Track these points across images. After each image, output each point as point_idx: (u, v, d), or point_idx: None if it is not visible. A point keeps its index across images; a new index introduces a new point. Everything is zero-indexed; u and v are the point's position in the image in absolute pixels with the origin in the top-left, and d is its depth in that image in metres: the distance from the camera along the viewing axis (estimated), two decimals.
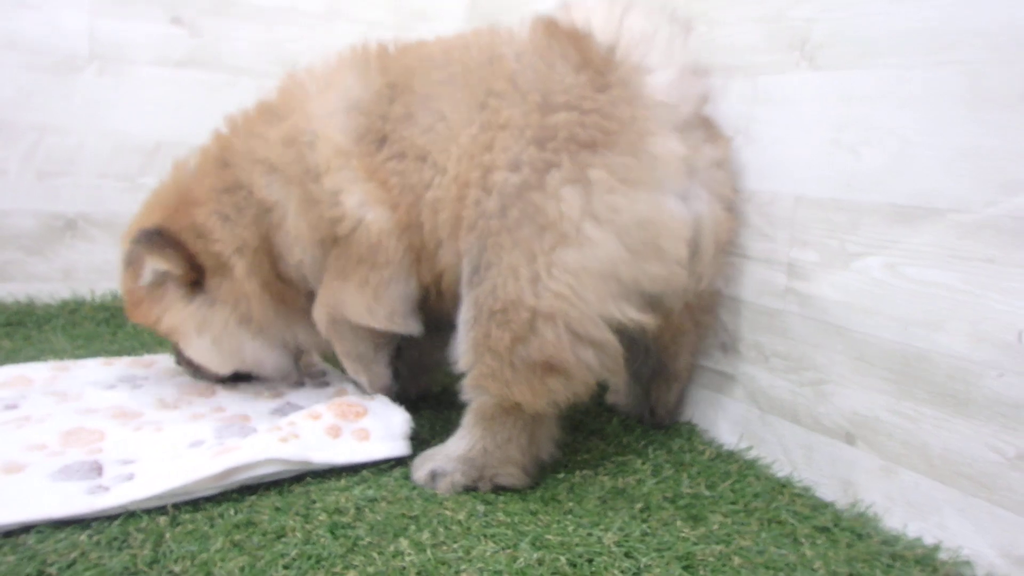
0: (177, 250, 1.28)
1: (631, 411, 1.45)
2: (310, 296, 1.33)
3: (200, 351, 1.35)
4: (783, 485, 1.19)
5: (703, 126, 1.22)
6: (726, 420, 1.37)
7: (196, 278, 1.32)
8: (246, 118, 1.34)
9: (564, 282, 1.06)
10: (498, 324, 1.08)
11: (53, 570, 0.85)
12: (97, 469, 1.04)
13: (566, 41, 1.15)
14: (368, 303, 1.23)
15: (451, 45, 1.26)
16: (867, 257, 1.11)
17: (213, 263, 1.30)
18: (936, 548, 1.01)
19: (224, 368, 1.38)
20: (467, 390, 1.14)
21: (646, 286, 1.11)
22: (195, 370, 1.41)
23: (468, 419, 1.15)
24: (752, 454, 1.29)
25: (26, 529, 0.92)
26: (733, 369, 1.35)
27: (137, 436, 1.17)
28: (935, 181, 1.03)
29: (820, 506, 1.13)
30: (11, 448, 1.08)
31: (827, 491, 1.17)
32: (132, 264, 1.30)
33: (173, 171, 1.37)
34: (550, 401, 1.10)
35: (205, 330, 1.32)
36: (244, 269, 1.29)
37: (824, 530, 1.06)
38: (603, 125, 1.09)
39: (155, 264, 1.28)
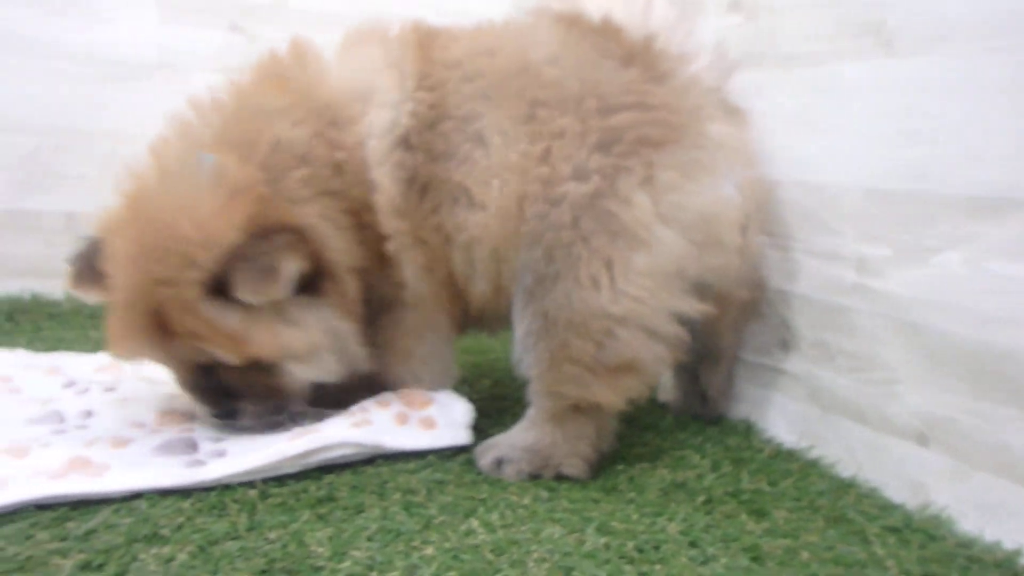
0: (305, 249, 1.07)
1: (683, 406, 1.46)
2: None
3: (323, 366, 1.15)
4: (848, 485, 1.18)
5: (733, 108, 1.24)
6: (784, 419, 1.37)
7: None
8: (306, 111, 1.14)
9: (640, 285, 1.08)
10: (577, 334, 1.10)
11: (165, 531, 0.93)
12: (192, 445, 1.12)
13: (601, 37, 1.14)
14: (415, 372, 1.24)
15: (471, 49, 1.17)
16: (945, 252, 1.08)
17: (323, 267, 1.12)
18: (1017, 552, 0.98)
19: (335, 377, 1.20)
20: (540, 395, 1.16)
21: (707, 277, 1.14)
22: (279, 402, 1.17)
23: (536, 416, 1.18)
24: (813, 454, 1.29)
25: (137, 495, 1.01)
26: (794, 367, 1.34)
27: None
28: (1018, 172, 0.99)
29: (889, 507, 1.12)
30: (116, 425, 1.19)
31: (895, 492, 1.15)
32: (265, 272, 1.02)
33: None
34: (627, 398, 1.14)
35: (333, 341, 1.13)
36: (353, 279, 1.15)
37: (894, 530, 1.05)
38: (670, 120, 1.11)
39: (291, 266, 1.04)
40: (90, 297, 1.09)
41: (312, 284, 1.09)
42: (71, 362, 1.47)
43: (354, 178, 1.13)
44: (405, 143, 1.12)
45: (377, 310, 1.19)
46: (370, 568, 0.87)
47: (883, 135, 1.16)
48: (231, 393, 1.12)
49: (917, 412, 1.13)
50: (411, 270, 1.14)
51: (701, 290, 1.14)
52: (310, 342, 1.09)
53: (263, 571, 0.86)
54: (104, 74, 1.98)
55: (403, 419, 1.21)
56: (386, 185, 1.12)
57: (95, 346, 1.64)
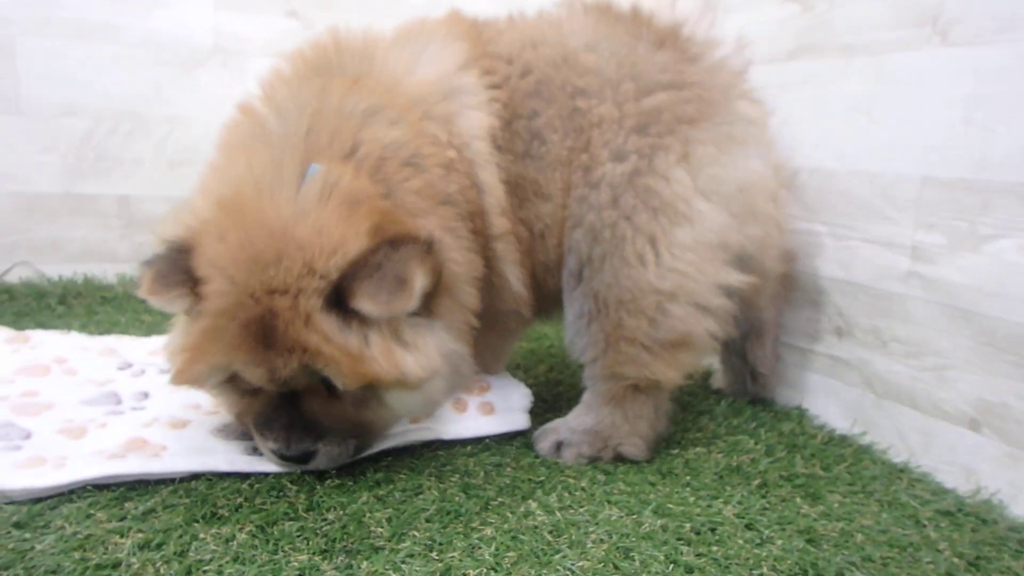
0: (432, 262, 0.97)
1: (736, 389, 1.47)
2: None
3: (432, 395, 1.04)
4: (901, 470, 1.18)
5: (754, 95, 1.26)
6: (838, 405, 1.37)
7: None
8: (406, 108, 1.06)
9: (685, 260, 1.10)
10: (629, 312, 1.11)
11: (225, 511, 0.94)
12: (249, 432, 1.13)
13: (634, 23, 1.17)
14: (488, 363, 1.24)
15: (518, 43, 1.16)
16: (1000, 239, 1.08)
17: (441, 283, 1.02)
18: None
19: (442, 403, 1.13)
20: (597, 378, 1.17)
21: (748, 248, 1.15)
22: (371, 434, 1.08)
23: (594, 399, 1.19)
24: (866, 439, 1.29)
25: (195, 476, 1.02)
26: (848, 354, 1.34)
27: None
28: None
29: (941, 491, 1.12)
30: (173, 406, 1.20)
31: (948, 477, 1.16)
32: (396, 283, 0.93)
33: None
34: (684, 374, 1.16)
35: (448, 365, 1.02)
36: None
37: (947, 514, 1.05)
38: (704, 96, 1.13)
39: (422, 278, 0.95)
40: (170, 303, 0.98)
41: (428, 302, 0.99)
42: (125, 345, 1.49)
43: (466, 180, 1.07)
44: (495, 143, 1.09)
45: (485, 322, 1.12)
46: (430, 548, 0.88)
47: (940, 124, 1.17)
48: (310, 429, 1.00)
49: (969, 398, 1.13)
50: (512, 270, 1.13)
51: (743, 262, 1.15)
52: (429, 367, 0.98)
53: (323, 550, 0.87)
54: (160, 59, 2.01)
55: (462, 406, 1.22)
56: (493, 186, 1.09)
57: (148, 330, 1.66)
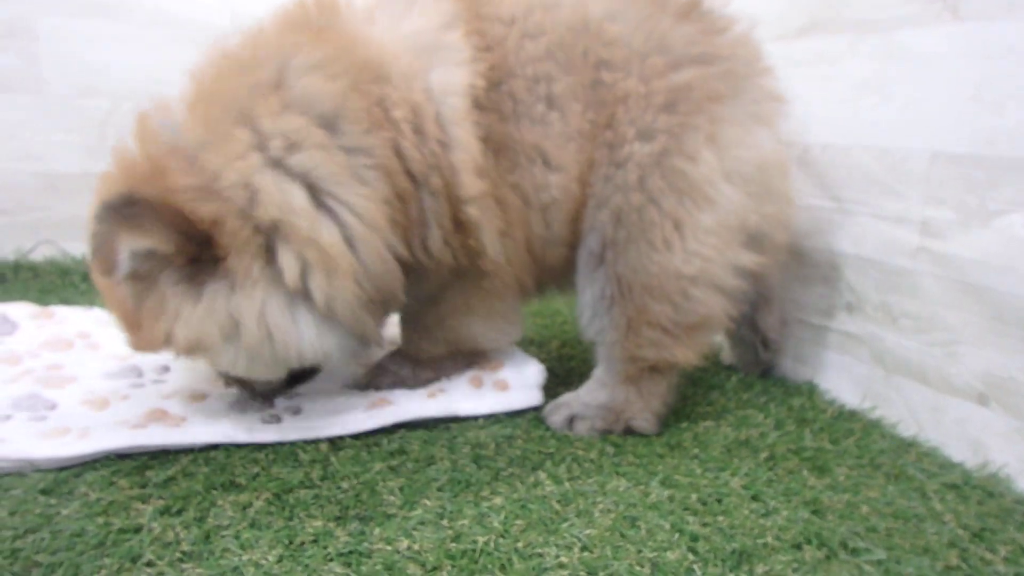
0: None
1: (746, 360, 1.47)
2: None
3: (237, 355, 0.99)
4: (909, 444, 1.19)
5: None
6: (848, 380, 1.37)
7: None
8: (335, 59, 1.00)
9: (709, 244, 1.10)
10: (654, 298, 1.11)
11: (242, 480, 0.97)
12: (268, 401, 1.16)
13: None
14: (501, 329, 1.22)
15: (526, 4, 1.11)
16: (1009, 214, 1.08)
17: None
18: None
19: (278, 371, 1.05)
20: (616, 359, 1.17)
21: (764, 228, 1.15)
22: (249, 387, 1.14)
23: (609, 377, 1.19)
24: (876, 414, 1.29)
25: (214, 446, 1.05)
26: (858, 329, 1.34)
27: None
28: None
29: (948, 465, 1.13)
30: (193, 379, 1.23)
31: (955, 451, 1.16)
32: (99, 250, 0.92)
33: None
34: (701, 353, 1.17)
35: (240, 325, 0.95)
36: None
37: (953, 487, 1.06)
38: (734, 70, 1.12)
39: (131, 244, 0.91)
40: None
41: (209, 265, 0.93)
42: None
43: (415, 137, 1.02)
44: (477, 103, 1.06)
45: (447, 280, 1.15)
46: (440, 516, 0.91)
47: (950, 100, 1.16)
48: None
49: (978, 373, 1.13)
50: (489, 238, 1.09)
51: (757, 240, 1.15)
52: (189, 337, 0.95)
53: (337, 517, 0.90)
54: (177, 37, 2.02)
55: (478, 382, 1.24)
56: (468, 143, 1.04)
57: None
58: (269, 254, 0.95)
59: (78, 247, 2.02)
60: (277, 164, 0.94)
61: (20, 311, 1.48)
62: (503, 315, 1.20)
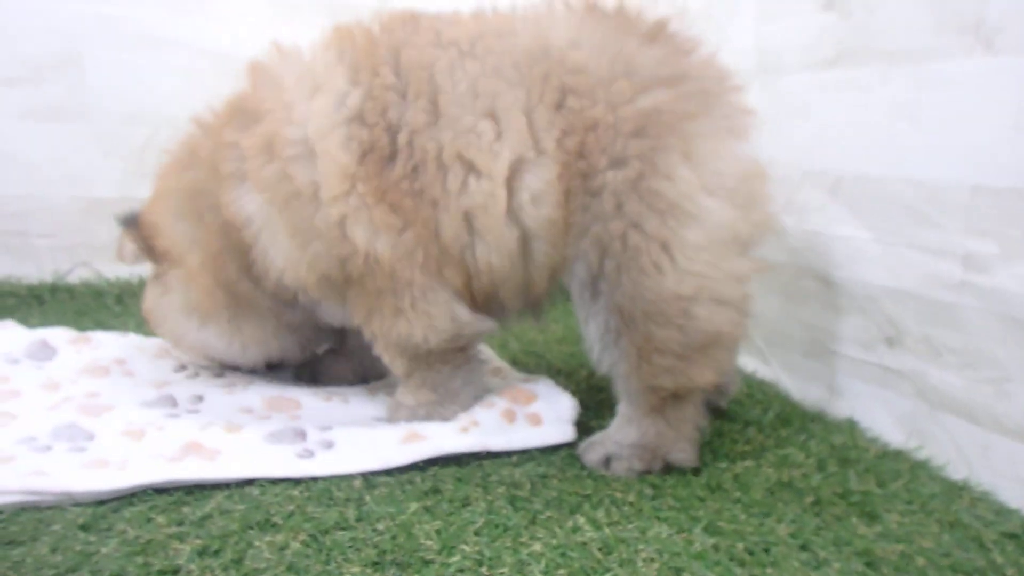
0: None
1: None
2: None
3: (162, 334, 1.39)
4: (960, 487, 1.15)
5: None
6: (890, 416, 1.33)
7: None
8: (216, 117, 1.26)
9: (701, 260, 1.08)
10: (658, 324, 1.10)
11: (278, 519, 0.96)
12: (301, 434, 1.15)
13: (621, 18, 1.14)
14: (422, 324, 1.19)
15: (477, 31, 1.15)
16: None
17: (164, 255, 1.31)
18: None
19: (184, 351, 1.42)
20: (635, 392, 1.16)
21: (754, 235, 1.14)
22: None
23: (633, 411, 1.18)
24: (922, 454, 1.25)
25: (248, 482, 1.05)
26: (899, 363, 1.30)
27: (328, 406, 1.29)
28: None
29: (1004, 511, 1.08)
30: (228, 411, 1.23)
31: (1010, 495, 1.11)
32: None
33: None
34: (721, 371, 1.15)
35: (162, 315, 1.34)
36: (197, 264, 1.27)
37: (1012, 536, 1.01)
38: (704, 88, 1.11)
39: (131, 246, 1.35)
40: None
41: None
42: None
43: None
44: (360, 119, 1.12)
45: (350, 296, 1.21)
46: (479, 563, 0.89)
47: (988, 131, 1.13)
48: None
49: None
50: (366, 230, 1.12)
51: (752, 249, 1.15)
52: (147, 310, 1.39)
53: (375, 562, 0.89)
54: (217, 68, 2.05)
55: (511, 416, 1.22)
56: (331, 152, 1.11)
57: None
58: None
59: (113, 270, 2.04)
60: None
61: (59, 336, 1.49)
62: (415, 311, 1.18)
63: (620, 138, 1.09)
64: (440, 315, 1.18)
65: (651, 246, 1.08)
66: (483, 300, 1.21)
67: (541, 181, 1.11)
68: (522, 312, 1.29)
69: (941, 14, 1.19)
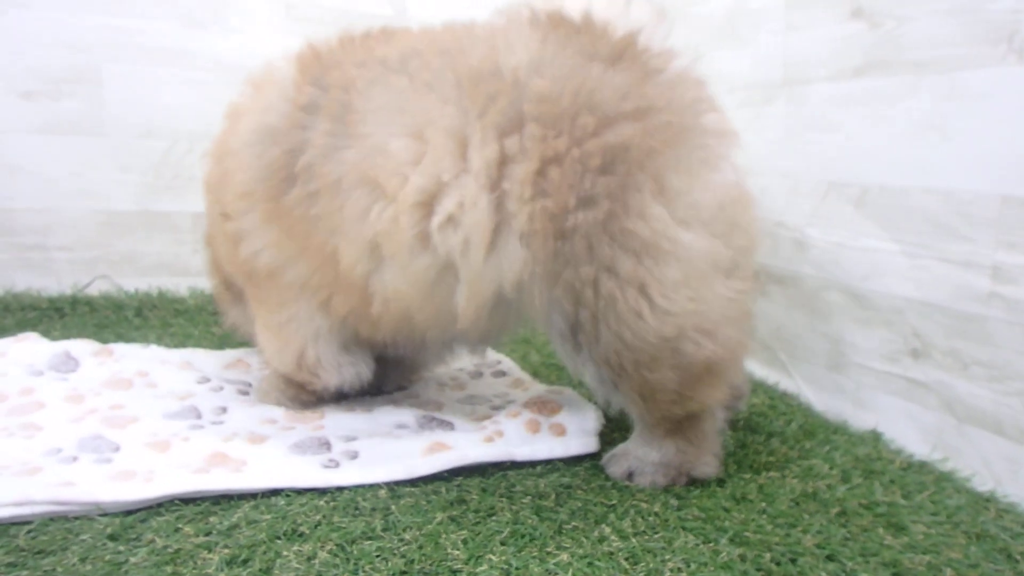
0: None
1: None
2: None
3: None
4: (987, 499, 1.14)
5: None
6: (915, 428, 1.32)
7: None
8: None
9: (682, 297, 1.03)
10: (649, 369, 1.06)
11: (304, 529, 0.96)
12: (326, 444, 1.16)
13: (585, 36, 1.05)
14: (278, 347, 1.22)
15: (416, 47, 1.11)
16: None
17: None
18: None
19: None
20: (649, 424, 1.15)
21: (737, 259, 1.08)
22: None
23: (651, 435, 1.16)
24: (948, 465, 1.24)
25: (275, 492, 1.05)
26: (925, 376, 1.30)
27: (351, 416, 1.29)
28: None
29: None
30: (251, 422, 1.24)
31: None
32: None
33: None
34: (728, 385, 1.14)
35: None
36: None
37: None
38: (672, 121, 1.03)
39: None
40: None
41: None
42: (200, 358, 1.55)
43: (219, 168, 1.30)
44: (272, 138, 1.15)
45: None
46: (507, 573, 0.89)
47: (1019, 142, 1.12)
48: None
49: None
50: (253, 246, 1.20)
51: (738, 270, 1.09)
52: None
53: (402, 572, 0.88)
54: (233, 81, 2.06)
55: (535, 427, 1.22)
56: (235, 172, 1.18)
57: (220, 342, 1.72)
58: None
59: (132, 282, 2.06)
60: None
61: (82, 348, 1.50)
62: (275, 329, 1.23)
63: (588, 174, 1.02)
64: (300, 351, 1.25)
65: (627, 291, 1.02)
66: (391, 328, 1.19)
67: (462, 206, 1.05)
68: (454, 345, 1.30)
69: (973, 24, 1.19)
